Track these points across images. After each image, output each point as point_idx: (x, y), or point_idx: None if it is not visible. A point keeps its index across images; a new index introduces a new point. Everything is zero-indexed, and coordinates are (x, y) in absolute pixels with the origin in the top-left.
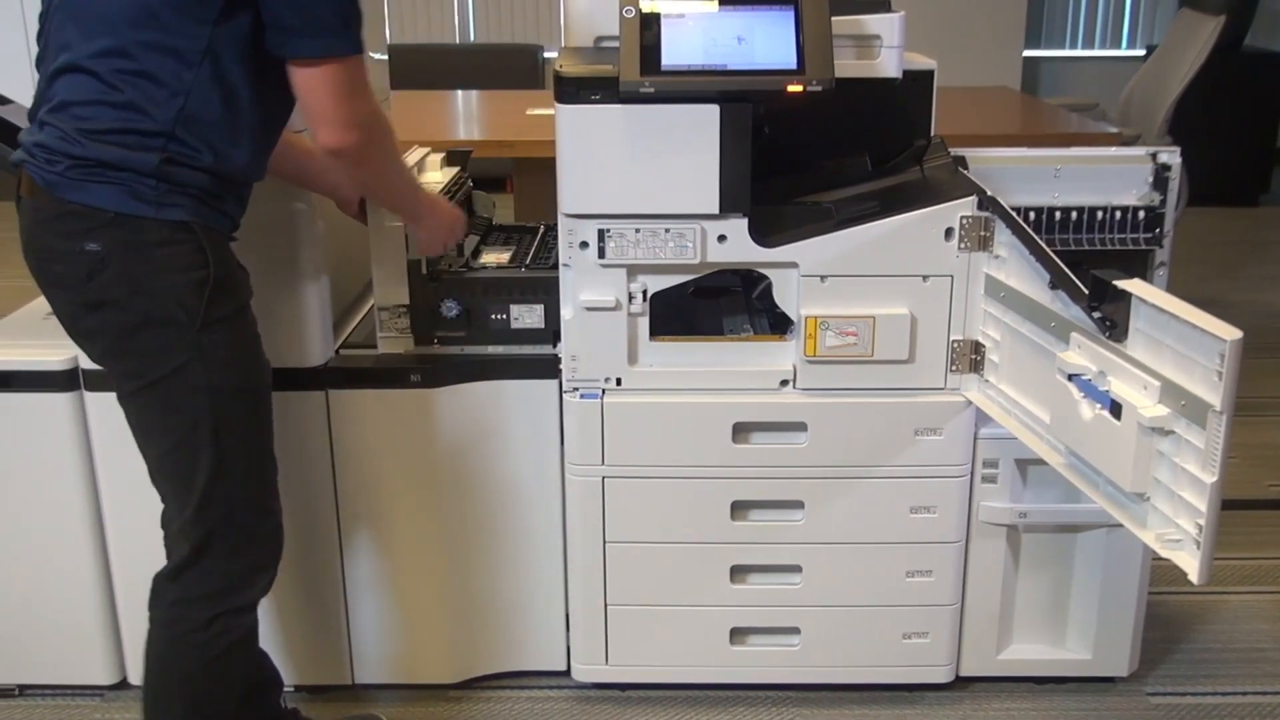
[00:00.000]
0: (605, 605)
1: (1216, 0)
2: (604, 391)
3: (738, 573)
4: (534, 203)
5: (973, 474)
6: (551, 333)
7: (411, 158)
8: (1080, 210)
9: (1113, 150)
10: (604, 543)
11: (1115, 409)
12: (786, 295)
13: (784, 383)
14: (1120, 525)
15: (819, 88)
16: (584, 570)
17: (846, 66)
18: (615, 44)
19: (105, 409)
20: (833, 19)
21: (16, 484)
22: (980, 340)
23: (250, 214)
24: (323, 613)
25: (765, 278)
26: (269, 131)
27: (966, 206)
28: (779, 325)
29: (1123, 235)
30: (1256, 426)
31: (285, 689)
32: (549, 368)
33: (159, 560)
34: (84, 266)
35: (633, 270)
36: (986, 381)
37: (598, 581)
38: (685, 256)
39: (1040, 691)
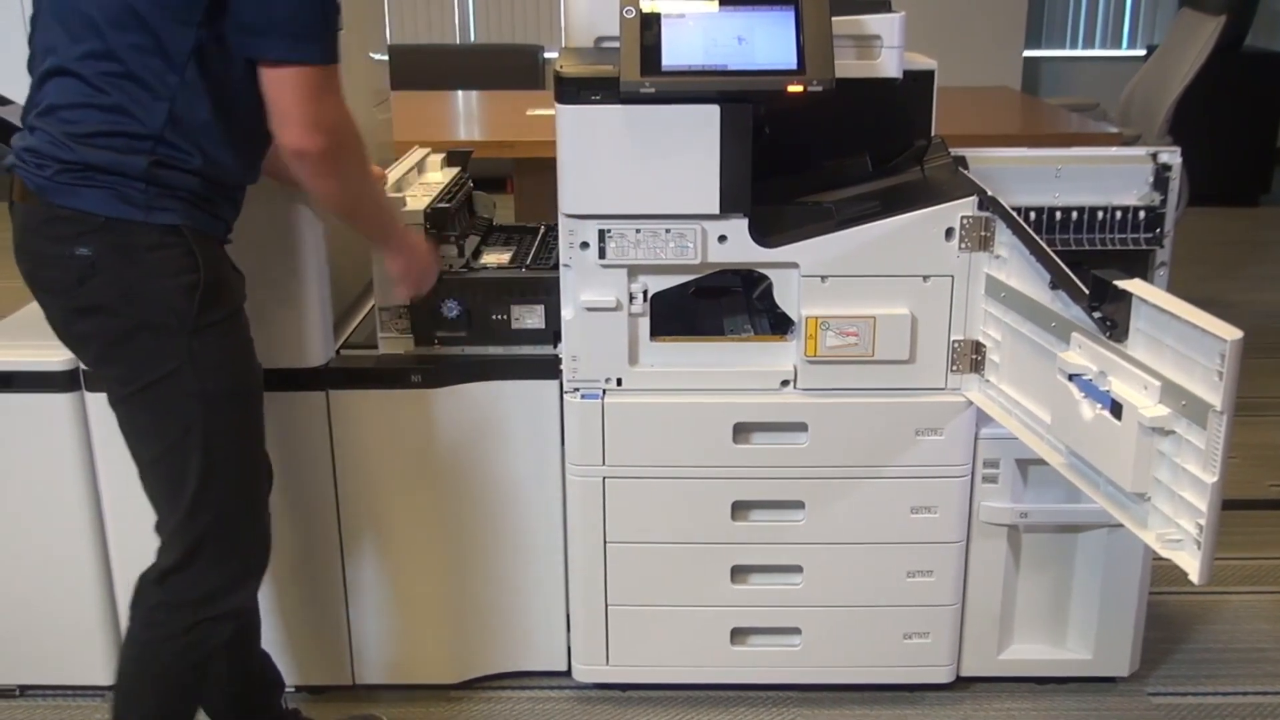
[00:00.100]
0: (606, 605)
1: (1217, 0)
2: (604, 392)
3: (738, 573)
4: (534, 203)
5: (973, 474)
6: (552, 333)
7: (412, 158)
8: (1081, 210)
9: (1113, 150)
10: (604, 543)
11: (1116, 409)
12: (787, 295)
13: (785, 383)
14: (1121, 525)
15: (819, 88)
16: (584, 570)
17: (847, 66)
18: (616, 44)
19: (105, 410)
20: (833, 19)
21: (16, 484)
22: (981, 340)
23: (251, 214)
24: (323, 613)
25: (766, 278)
26: (260, 134)
27: (967, 206)
28: (779, 325)
29: (1123, 235)
30: (1257, 426)
31: (286, 689)
32: (550, 368)
33: None
34: (74, 271)
35: (633, 270)
36: (987, 381)
37: (598, 582)
38: (686, 257)
39: (1041, 692)
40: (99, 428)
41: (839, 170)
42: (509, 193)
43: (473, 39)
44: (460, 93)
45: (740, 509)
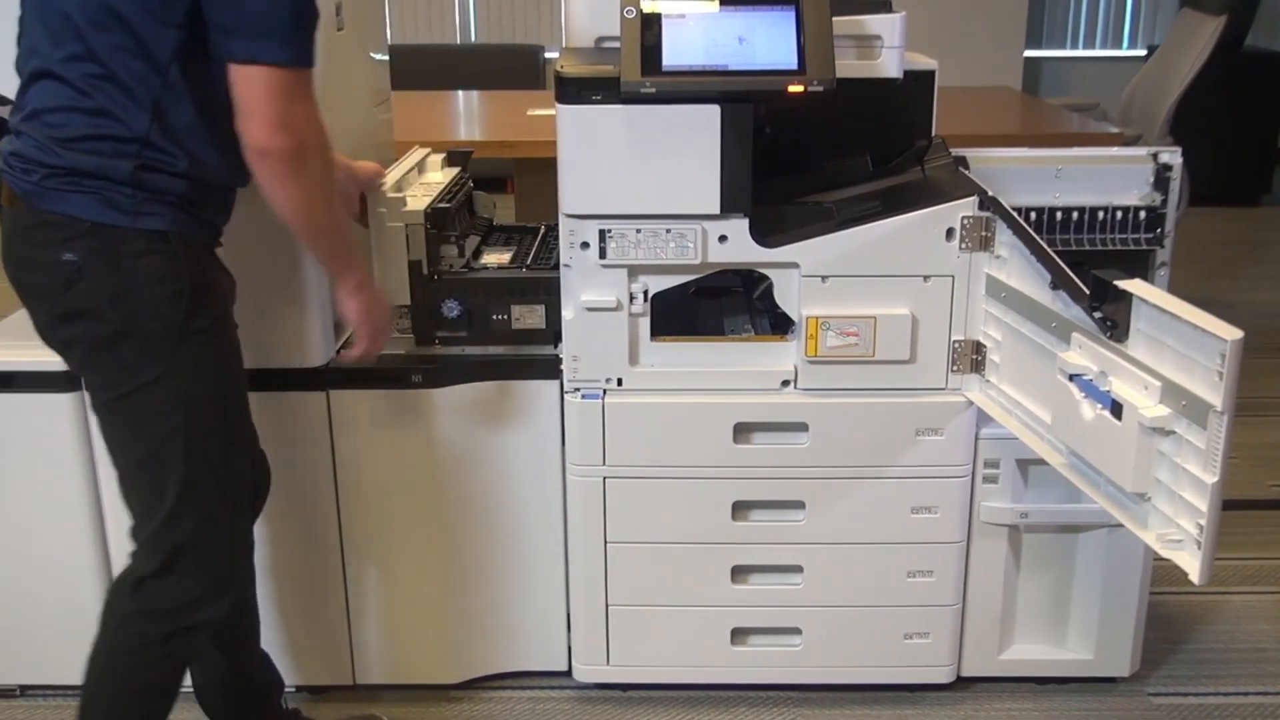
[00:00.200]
0: (606, 605)
1: (1217, 0)
2: (605, 392)
3: (739, 573)
4: (535, 203)
5: (974, 474)
6: (552, 333)
7: (412, 158)
8: (1081, 210)
9: (1114, 150)
10: (605, 543)
11: (1116, 409)
12: (787, 295)
13: (785, 383)
14: (1121, 525)
15: (820, 88)
16: (585, 570)
17: (847, 67)
18: (616, 44)
19: None
20: (834, 19)
21: (17, 484)
22: (981, 340)
23: (251, 214)
24: (324, 613)
25: (766, 278)
26: None
27: (967, 207)
28: (780, 325)
29: (1124, 235)
30: (1257, 426)
31: (287, 689)
32: (550, 368)
33: None
34: (60, 277)
35: (634, 270)
36: (987, 382)
37: (599, 582)
38: (686, 257)
39: (1042, 692)
40: (99, 428)
41: (839, 170)
42: (509, 193)
43: (473, 39)
44: (461, 93)
45: (741, 509)
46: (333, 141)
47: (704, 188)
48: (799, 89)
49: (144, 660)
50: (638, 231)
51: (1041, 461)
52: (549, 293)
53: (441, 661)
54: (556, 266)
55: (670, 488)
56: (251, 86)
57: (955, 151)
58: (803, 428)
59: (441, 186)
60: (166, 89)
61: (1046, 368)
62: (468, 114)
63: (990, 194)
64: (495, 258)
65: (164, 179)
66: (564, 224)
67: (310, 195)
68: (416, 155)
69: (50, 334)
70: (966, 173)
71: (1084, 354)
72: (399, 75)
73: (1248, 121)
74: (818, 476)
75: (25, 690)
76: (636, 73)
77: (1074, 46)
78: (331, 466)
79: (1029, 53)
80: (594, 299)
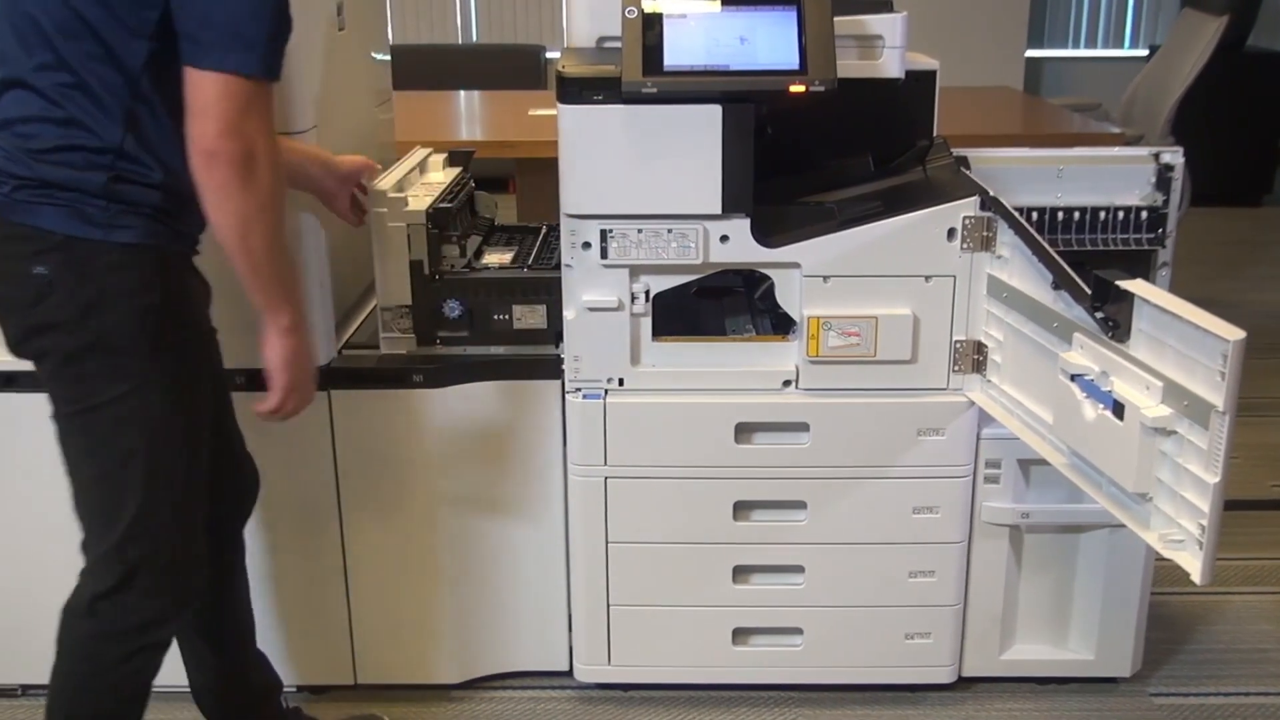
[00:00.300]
0: (608, 605)
1: (1219, 0)
2: (606, 392)
3: (740, 573)
4: (536, 203)
5: (975, 474)
6: (554, 333)
7: (413, 158)
8: (1083, 210)
9: (1115, 150)
10: (606, 543)
11: (1118, 409)
12: (789, 295)
13: (786, 383)
14: (1123, 526)
15: (821, 88)
16: (586, 570)
17: (849, 67)
18: (617, 44)
19: None
20: (835, 19)
21: (17, 484)
22: (983, 340)
23: None
24: (325, 613)
25: (768, 278)
26: None
27: (969, 207)
28: (781, 325)
29: (1125, 235)
30: (1259, 427)
31: (288, 689)
32: (551, 368)
33: None
34: (31, 290)
35: (635, 270)
36: (989, 382)
37: (600, 582)
38: (688, 257)
39: (1043, 692)
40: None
41: (841, 170)
42: (511, 193)
43: (475, 39)
44: (462, 93)
45: (742, 509)
46: (327, 145)
47: (705, 188)
48: (800, 89)
49: (108, 683)
50: (639, 231)
51: (1043, 462)
52: (550, 293)
53: (442, 661)
54: (558, 266)
55: (671, 488)
56: (207, 88)
57: (957, 151)
58: (804, 428)
59: (443, 186)
60: (139, 99)
61: (1048, 368)
62: (469, 114)
63: (992, 194)
64: (497, 258)
65: (138, 190)
66: (565, 224)
67: (252, 213)
68: (418, 155)
69: (20, 346)
70: (968, 173)
71: (1086, 354)
72: (400, 75)
73: (1249, 121)
74: (819, 476)
75: (26, 690)
76: (638, 73)
77: (1075, 46)
78: (333, 466)
79: (1030, 53)
80: (595, 299)
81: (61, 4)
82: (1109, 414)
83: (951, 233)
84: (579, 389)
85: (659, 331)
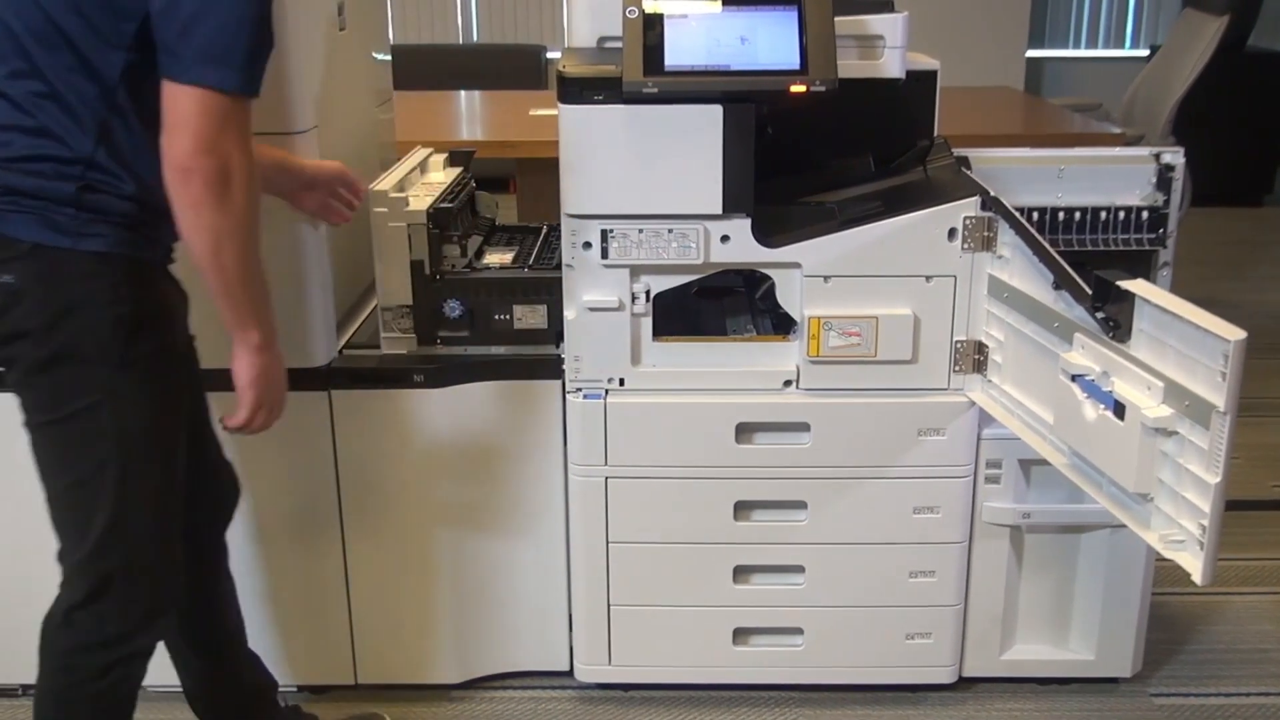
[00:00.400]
0: (608, 605)
1: (1220, 0)
2: (607, 392)
3: (741, 573)
4: (537, 203)
5: (976, 474)
6: (554, 333)
7: (414, 158)
8: (1084, 210)
9: (1116, 150)
10: (607, 543)
11: (1119, 409)
12: (789, 295)
13: (787, 383)
14: (1123, 526)
15: (822, 88)
16: (587, 570)
17: (850, 67)
18: (618, 44)
19: None
20: (836, 19)
21: (16, 484)
22: (983, 341)
23: None
24: (326, 612)
25: (768, 278)
26: None
27: (970, 207)
28: (782, 325)
29: (1126, 236)
30: (1260, 427)
31: (289, 689)
32: (552, 368)
33: None
34: None
35: (636, 270)
36: (990, 382)
37: (601, 582)
38: (688, 257)
39: (1043, 692)
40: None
41: (842, 170)
42: (511, 193)
43: (475, 39)
44: (463, 93)
45: (742, 509)
46: (328, 145)
47: (706, 188)
48: (801, 89)
49: (89, 693)
50: (640, 231)
51: (1044, 462)
52: (551, 293)
53: (443, 661)
54: (558, 266)
55: (672, 488)
56: (186, 103)
57: (957, 151)
58: (804, 428)
59: (444, 186)
60: (114, 111)
61: (1049, 368)
62: (470, 114)
63: (992, 194)
64: (497, 258)
65: (109, 200)
66: (566, 224)
67: (225, 231)
68: (419, 155)
69: None
70: (969, 173)
71: (1086, 354)
72: (401, 75)
73: (1250, 121)
74: (820, 476)
75: (27, 690)
76: (639, 73)
77: (1076, 46)
78: (333, 466)
79: (1031, 53)
80: (596, 299)
81: (38, 12)
82: (1110, 414)
83: (952, 233)
84: (580, 389)
85: (660, 331)
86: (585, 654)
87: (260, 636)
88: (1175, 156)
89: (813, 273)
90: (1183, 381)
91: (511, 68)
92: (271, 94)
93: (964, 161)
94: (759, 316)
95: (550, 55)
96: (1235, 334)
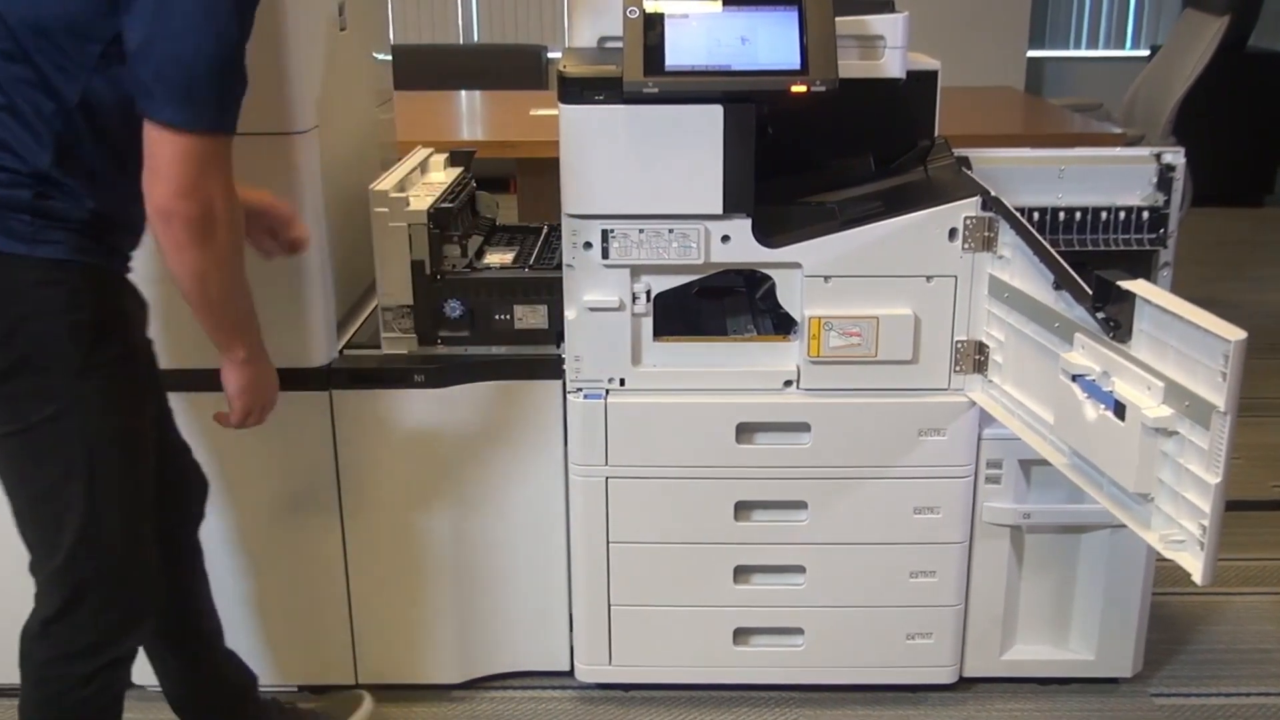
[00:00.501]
0: (609, 605)
1: (1220, 0)
2: (607, 392)
3: (741, 573)
4: (537, 203)
5: (976, 474)
6: (555, 333)
7: (415, 158)
8: (1084, 211)
9: (1117, 151)
10: (607, 543)
11: (1119, 410)
12: (790, 296)
13: (787, 383)
14: (1124, 526)
15: (823, 88)
16: (587, 570)
17: (850, 67)
18: (619, 44)
19: None
20: (836, 19)
21: None
22: (984, 341)
23: None
24: (326, 612)
25: (769, 278)
26: None
27: (970, 207)
28: (782, 326)
29: (1127, 236)
30: (1260, 427)
31: (290, 688)
32: (553, 368)
33: None
34: None
35: (636, 271)
36: (990, 382)
37: (601, 582)
38: (689, 257)
39: (1044, 692)
40: None
41: (842, 170)
42: (512, 193)
43: (476, 39)
44: (463, 93)
45: (743, 509)
46: (329, 145)
47: (707, 188)
48: (802, 89)
49: (73, 701)
50: (640, 231)
51: (1044, 462)
52: (551, 293)
53: (443, 661)
54: (559, 266)
55: (672, 488)
56: (165, 148)
57: (958, 152)
58: (805, 428)
59: (444, 186)
60: (71, 129)
61: (1049, 368)
62: (470, 114)
63: (993, 194)
64: (498, 258)
65: (67, 208)
66: (566, 224)
67: (209, 267)
68: (419, 155)
69: None
70: (969, 173)
71: (1087, 354)
72: (402, 75)
73: (1251, 122)
74: (820, 477)
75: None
76: (639, 73)
77: (1077, 47)
78: (334, 466)
79: (1032, 53)
80: (596, 299)
81: (0, 25)
82: (1110, 414)
83: (953, 233)
84: (580, 389)
85: (660, 331)
86: (586, 654)
87: (260, 636)
88: (1176, 157)
89: (813, 273)
90: (1183, 381)
91: (512, 68)
92: (271, 94)
93: (964, 161)
94: (759, 316)
95: (551, 55)
96: (1235, 334)
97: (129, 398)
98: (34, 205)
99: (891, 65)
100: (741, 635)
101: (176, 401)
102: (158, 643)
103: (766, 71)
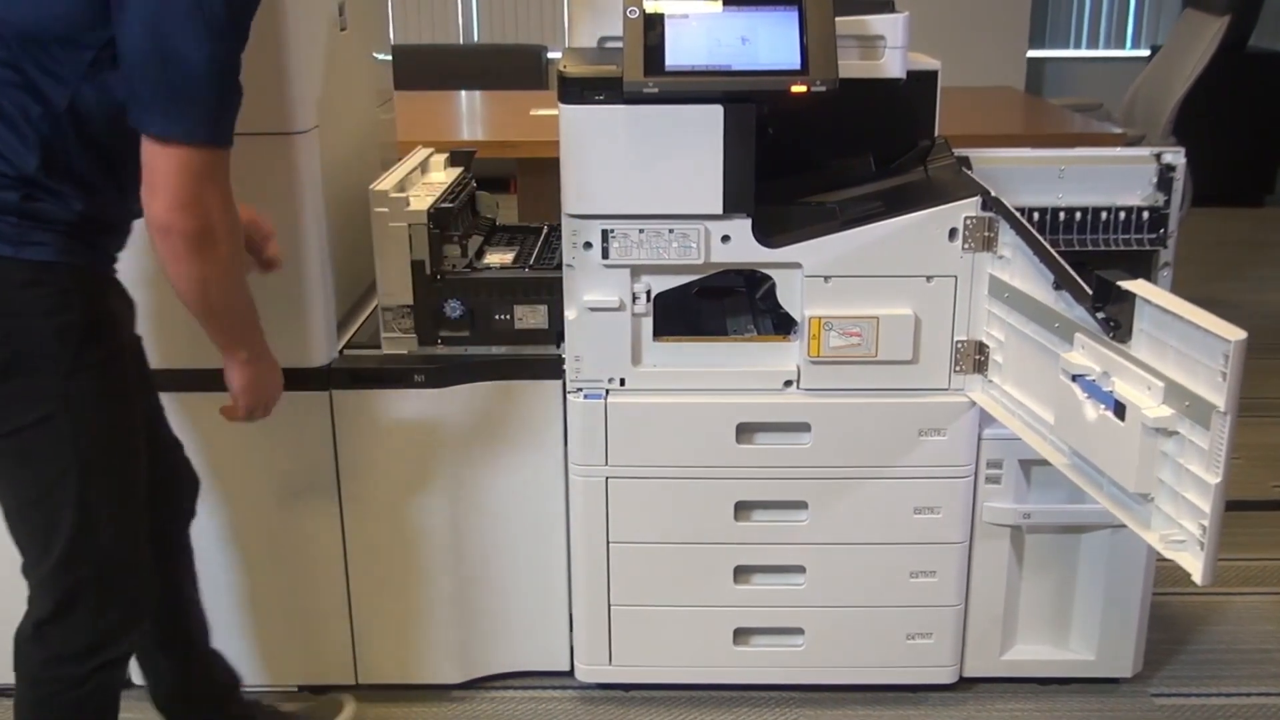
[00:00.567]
0: (609, 605)
1: (1221, 0)
2: (607, 392)
3: (741, 573)
4: (537, 203)
5: (977, 474)
6: (555, 333)
7: (415, 158)
8: (1084, 211)
9: (1117, 151)
10: (608, 543)
11: (1119, 410)
12: (790, 296)
13: (788, 383)
14: (1124, 526)
15: (823, 88)
16: (587, 570)
17: (850, 67)
18: (619, 44)
19: None
20: (837, 19)
21: None
22: (984, 341)
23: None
24: (326, 612)
25: (769, 278)
26: None
27: (970, 207)
28: (783, 326)
29: (1127, 236)
30: (1260, 427)
31: (290, 688)
32: (553, 368)
33: None
34: None
35: (636, 271)
36: (990, 382)
37: (601, 582)
38: (689, 257)
39: (1044, 692)
40: None
41: (842, 170)
42: (512, 193)
43: (476, 39)
44: (463, 93)
45: (743, 509)
46: (329, 145)
47: (707, 188)
48: (802, 89)
49: (69, 701)
50: (640, 231)
51: (1044, 462)
52: (551, 293)
53: (443, 661)
54: (559, 266)
55: (673, 488)
56: (162, 162)
57: (958, 152)
58: (805, 428)
59: (444, 186)
60: (59, 133)
61: (1049, 368)
62: (470, 114)
63: (993, 194)
64: (498, 258)
65: (54, 210)
66: (566, 224)
67: (209, 277)
68: (419, 155)
69: None
70: (969, 173)
71: (1087, 354)
72: (402, 75)
73: (1251, 122)
74: (820, 477)
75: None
76: (639, 73)
77: (1077, 46)
78: (334, 466)
79: (1032, 53)
80: (596, 299)
81: None
82: (1110, 414)
83: (953, 233)
84: (580, 389)
85: (660, 331)
86: (586, 654)
87: (260, 637)
88: (1176, 157)
89: (813, 273)
90: (1183, 381)
91: (512, 68)
92: (272, 94)
93: (965, 161)
94: (759, 316)
95: (551, 55)
96: (1235, 334)
97: (119, 397)
98: (21, 208)
99: (891, 65)
100: (741, 635)
101: (170, 401)
102: (147, 642)
103: (767, 71)
